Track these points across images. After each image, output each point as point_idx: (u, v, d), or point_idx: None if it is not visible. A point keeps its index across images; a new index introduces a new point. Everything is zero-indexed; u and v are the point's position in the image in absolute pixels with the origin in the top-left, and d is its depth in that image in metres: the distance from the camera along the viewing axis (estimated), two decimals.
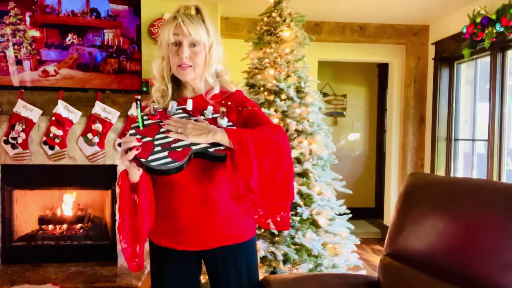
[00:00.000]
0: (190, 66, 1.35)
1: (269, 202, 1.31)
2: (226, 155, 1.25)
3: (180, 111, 1.33)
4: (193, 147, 1.23)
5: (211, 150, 1.24)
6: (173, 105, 1.32)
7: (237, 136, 1.25)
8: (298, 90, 2.63)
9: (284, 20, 2.66)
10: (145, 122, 1.29)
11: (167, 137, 1.25)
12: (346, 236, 2.53)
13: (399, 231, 1.65)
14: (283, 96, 2.59)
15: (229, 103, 1.40)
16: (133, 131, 1.27)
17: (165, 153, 1.21)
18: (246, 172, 1.23)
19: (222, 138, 1.24)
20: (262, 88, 2.64)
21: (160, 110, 1.34)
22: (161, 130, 1.27)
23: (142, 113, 1.27)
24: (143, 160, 1.19)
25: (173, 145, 1.23)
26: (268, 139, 1.28)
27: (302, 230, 2.41)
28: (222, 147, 1.25)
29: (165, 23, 1.37)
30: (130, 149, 1.21)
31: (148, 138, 1.24)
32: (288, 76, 2.63)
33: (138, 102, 1.25)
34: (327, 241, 2.48)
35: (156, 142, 1.24)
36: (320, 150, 2.55)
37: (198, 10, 1.38)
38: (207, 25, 1.36)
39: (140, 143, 1.22)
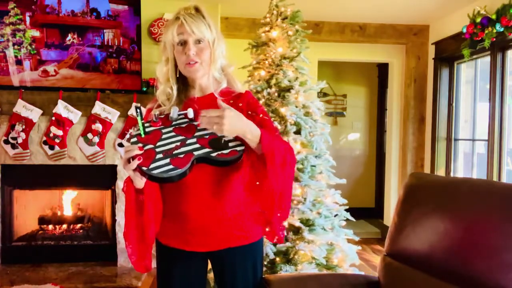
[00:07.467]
0: (197, 62, 1.35)
1: (270, 214, 1.35)
2: (230, 160, 1.24)
3: (182, 116, 1.32)
4: (195, 153, 1.22)
5: (213, 155, 1.23)
6: (174, 111, 1.31)
7: (270, 146, 1.25)
8: (290, 89, 2.59)
9: (277, 19, 2.65)
10: (147, 130, 1.27)
11: (169, 143, 1.24)
12: (320, 243, 2.43)
13: (399, 231, 1.65)
14: (261, 96, 2.58)
15: (240, 104, 1.39)
16: (134, 139, 1.25)
17: (167, 160, 1.20)
18: (271, 180, 1.26)
19: (252, 140, 1.24)
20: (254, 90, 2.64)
21: (162, 116, 1.33)
22: (163, 136, 1.26)
23: (143, 121, 1.26)
24: (144, 168, 1.18)
25: (174, 152, 1.22)
26: (287, 158, 1.30)
27: None
28: (225, 151, 1.24)
29: (168, 25, 1.38)
30: (132, 158, 1.20)
31: (150, 146, 1.23)
32: (273, 75, 2.61)
33: (138, 110, 1.24)
34: (293, 247, 2.41)
35: (157, 150, 1.23)
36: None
37: (197, 9, 1.38)
38: (208, 21, 1.37)
39: (142, 151, 1.21)
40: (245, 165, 1.32)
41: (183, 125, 1.31)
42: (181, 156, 1.21)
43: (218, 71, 1.42)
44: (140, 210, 1.31)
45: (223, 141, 1.26)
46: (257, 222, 1.42)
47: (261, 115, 1.39)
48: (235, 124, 1.20)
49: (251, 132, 1.23)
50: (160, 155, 1.21)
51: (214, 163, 1.25)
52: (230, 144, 1.26)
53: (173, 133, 1.28)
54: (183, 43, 1.35)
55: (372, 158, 5.67)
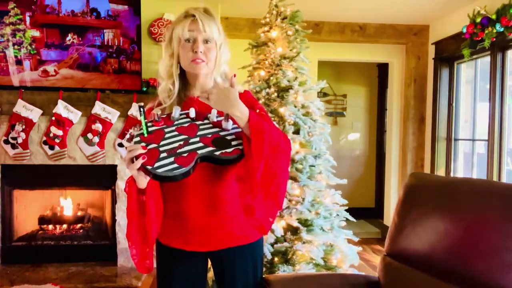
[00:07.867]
0: (203, 61, 1.36)
1: (262, 204, 1.34)
2: (233, 159, 1.25)
3: (184, 115, 1.33)
4: (199, 152, 1.23)
5: (217, 153, 1.23)
6: (176, 110, 1.31)
7: (257, 125, 1.25)
8: (289, 89, 2.58)
9: (276, 19, 2.65)
10: (150, 129, 1.28)
11: (172, 142, 1.24)
12: (318, 244, 2.41)
13: (399, 231, 1.65)
14: (261, 96, 2.59)
15: None
16: (137, 138, 1.25)
17: (171, 159, 1.20)
18: (256, 160, 1.24)
19: (241, 118, 1.26)
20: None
21: (164, 116, 1.33)
22: (166, 136, 1.26)
23: (146, 120, 1.26)
24: (149, 167, 1.18)
25: (178, 151, 1.22)
26: (280, 143, 1.31)
27: None
28: (229, 150, 1.24)
29: (177, 21, 1.38)
30: (136, 157, 1.19)
31: (153, 145, 1.23)
32: (271, 75, 2.61)
33: (142, 110, 1.24)
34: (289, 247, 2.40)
35: (161, 149, 1.22)
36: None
37: (206, 11, 1.39)
38: (218, 25, 1.39)
39: (146, 151, 1.20)
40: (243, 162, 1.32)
41: (185, 125, 1.31)
42: (185, 155, 1.21)
43: (220, 75, 1.43)
44: (142, 211, 1.31)
45: (225, 139, 1.27)
46: (245, 212, 1.42)
47: (258, 111, 1.40)
48: (221, 100, 1.27)
49: (240, 110, 1.26)
50: (164, 154, 1.21)
51: (218, 162, 1.26)
52: (233, 143, 1.27)
53: (175, 132, 1.28)
54: (192, 40, 1.35)
55: (372, 158, 5.67)
